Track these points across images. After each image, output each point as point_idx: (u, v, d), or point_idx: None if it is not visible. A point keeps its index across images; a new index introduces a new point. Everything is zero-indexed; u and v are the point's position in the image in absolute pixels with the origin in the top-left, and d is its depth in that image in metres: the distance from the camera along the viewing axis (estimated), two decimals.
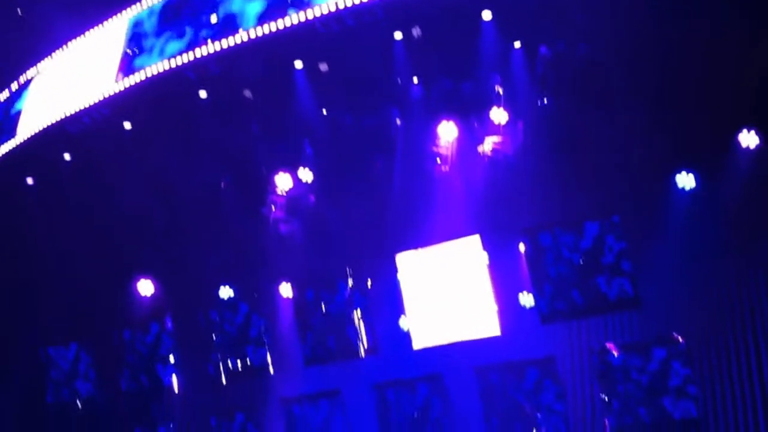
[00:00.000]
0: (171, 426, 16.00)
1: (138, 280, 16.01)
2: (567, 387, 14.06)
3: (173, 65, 12.80)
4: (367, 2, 11.38)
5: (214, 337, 15.10)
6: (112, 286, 15.87)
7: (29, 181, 15.70)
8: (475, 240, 13.63)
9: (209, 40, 12.29)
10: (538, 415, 13.25)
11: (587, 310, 12.55)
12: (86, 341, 15.84)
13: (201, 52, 12.51)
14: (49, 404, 16.54)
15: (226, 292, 15.67)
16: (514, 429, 13.47)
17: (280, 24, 11.93)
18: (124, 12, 13.94)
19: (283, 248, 15.72)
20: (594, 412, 13.95)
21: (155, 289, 15.98)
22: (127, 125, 14.28)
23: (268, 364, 14.85)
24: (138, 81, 13.20)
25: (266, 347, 14.88)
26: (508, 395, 13.47)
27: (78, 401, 15.88)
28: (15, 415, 16.65)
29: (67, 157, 15.05)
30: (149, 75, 13.07)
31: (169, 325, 15.33)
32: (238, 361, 14.99)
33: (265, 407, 16.15)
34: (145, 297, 15.97)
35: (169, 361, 15.25)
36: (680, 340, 12.11)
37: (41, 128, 14.51)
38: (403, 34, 12.54)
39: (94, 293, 15.68)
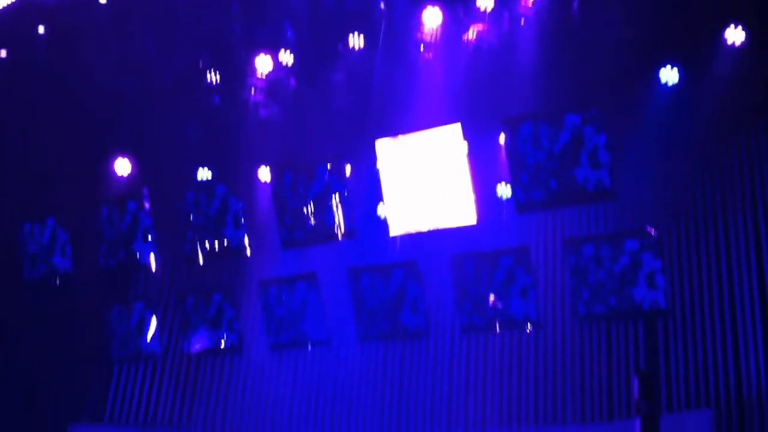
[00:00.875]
0: (148, 303, 16.19)
1: (115, 158, 15.93)
2: (539, 276, 14.37)
3: None
4: None
5: (192, 218, 15.12)
6: (88, 163, 15.79)
7: (2, 53, 15.36)
8: (455, 129, 13.58)
9: None
10: (499, 305, 13.53)
11: (563, 201, 12.66)
12: (63, 217, 15.82)
13: None
14: (26, 281, 16.62)
15: (203, 174, 15.67)
16: (485, 315, 13.77)
17: None
18: None
19: (262, 132, 15.66)
20: (564, 301, 14.31)
21: (132, 168, 15.93)
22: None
23: (245, 246, 14.94)
24: None
25: (243, 229, 14.93)
26: (481, 283, 13.69)
27: (56, 277, 15.97)
28: None
29: (41, 30, 14.69)
30: None
31: (146, 204, 15.31)
32: (216, 243, 15.06)
33: (242, 288, 16.40)
34: (122, 176, 15.93)
35: (146, 239, 15.29)
36: (653, 232, 12.30)
37: None
38: None
39: (70, 170, 15.61)
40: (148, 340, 16.22)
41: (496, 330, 13.79)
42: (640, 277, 12.35)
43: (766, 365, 12.11)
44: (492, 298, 13.53)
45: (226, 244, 14.98)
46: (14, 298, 16.72)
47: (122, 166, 15.90)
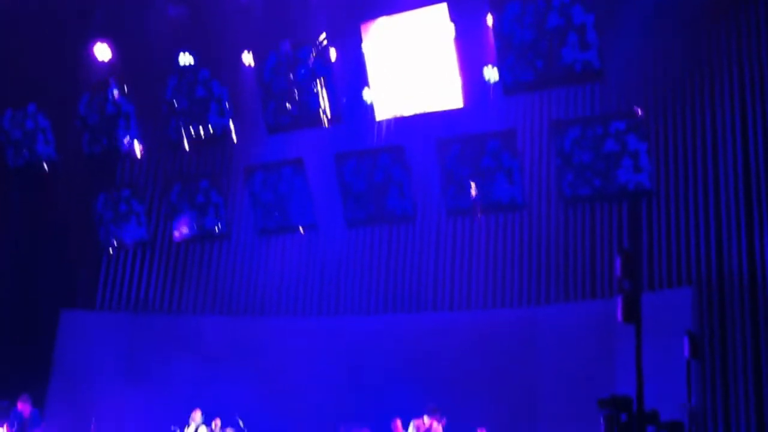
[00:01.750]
0: (135, 190, 16.15)
1: (94, 43, 15.57)
2: (525, 159, 14.42)
3: None
4: None
5: (175, 104, 14.90)
6: (68, 49, 15.43)
7: None
8: (441, 9, 13.29)
9: None
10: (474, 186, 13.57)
11: (550, 82, 12.53)
12: (44, 103, 15.55)
13: None
14: (11, 169, 16.48)
15: (185, 59, 15.37)
16: (471, 199, 13.82)
17: None
18: None
19: (245, 15, 15.29)
20: (549, 183, 14.41)
21: (113, 53, 15.59)
22: None
23: (230, 132, 14.79)
24: None
25: (228, 115, 14.75)
26: (467, 166, 13.69)
27: (41, 165, 15.79)
28: None
29: None
30: None
31: (128, 90, 15.06)
32: (200, 129, 14.90)
33: (228, 174, 16.38)
34: (103, 61, 15.61)
35: (129, 126, 15.12)
36: (639, 113, 12.27)
37: None
38: None
39: (51, 56, 15.25)
40: (136, 226, 16.24)
41: (480, 213, 13.86)
42: (625, 159, 12.38)
43: (748, 243, 12.32)
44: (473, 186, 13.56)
45: (211, 130, 14.82)
46: (1, 186, 16.59)
47: (102, 51, 15.54)
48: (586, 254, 14.07)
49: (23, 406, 14.22)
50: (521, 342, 14.13)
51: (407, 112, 13.93)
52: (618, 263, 11.62)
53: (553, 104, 14.42)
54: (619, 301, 11.35)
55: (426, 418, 12.69)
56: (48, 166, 15.75)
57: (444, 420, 12.69)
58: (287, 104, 14.28)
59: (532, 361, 13.87)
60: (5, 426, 14.17)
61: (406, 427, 12.92)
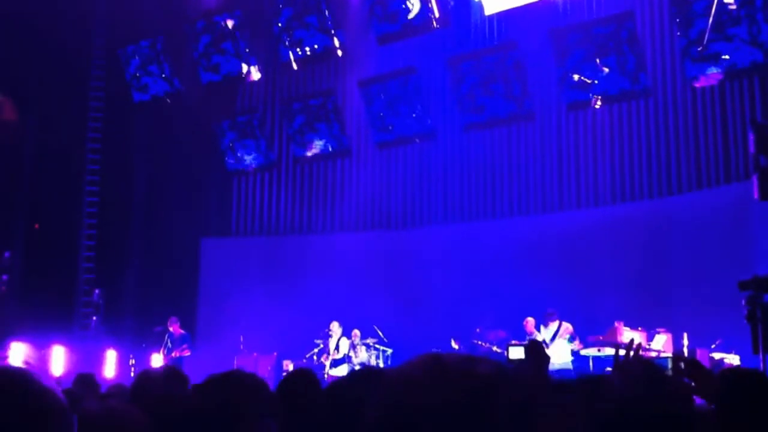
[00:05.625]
0: (254, 115, 16.44)
1: None
2: (646, 43, 13.69)
3: None
4: None
5: (280, 24, 14.93)
6: None
7: None
8: None
9: None
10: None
11: None
12: (161, 37, 15.83)
13: None
14: (135, 104, 16.91)
15: None
16: (590, 91, 13.32)
17: None
18: None
19: None
20: (674, 67, 13.67)
21: None
22: None
23: (337, 47, 14.69)
24: None
25: (335, 30, 14.66)
26: (583, 55, 13.16)
27: (166, 97, 16.13)
28: None
29: None
30: None
31: (239, 15, 15.21)
32: (307, 48, 14.92)
33: (344, 90, 16.38)
34: None
35: (244, 51, 15.29)
36: None
37: None
38: None
39: None
40: (260, 150, 16.60)
41: (598, 104, 13.34)
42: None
43: None
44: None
45: (317, 47, 14.81)
46: (126, 120, 17.20)
47: None
48: (718, 137, 13.35)
49: (174, 328, 15.07)
50: (654, 233, 13.68)
51: (517, 2, 13.44)
52: (752, 139, 11.00)
53: None
54: (755, 179, 10.78)
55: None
56: (170, 99, 16.16)
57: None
58: (394, 11, 14.07)
59: (665, 252, 13.43)
60: (162, 350, 15.09)
61: (537, 326, 12.86)
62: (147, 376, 3.91)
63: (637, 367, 2.35)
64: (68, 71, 16.52)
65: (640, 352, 3.21)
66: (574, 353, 12.36)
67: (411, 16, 13.99)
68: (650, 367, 2.39)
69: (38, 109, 16.45)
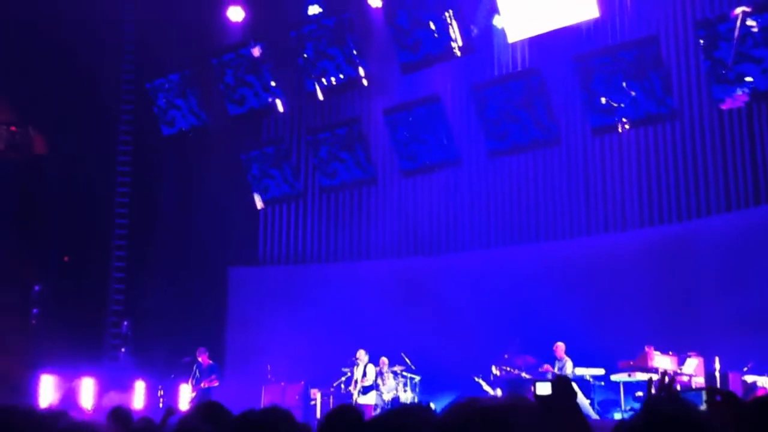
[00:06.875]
0: (280, 146, 16.51)
1: (227, 7, 15.96)
2: (671, 65, 13.64)
3: None
4: None
5: (305, 56, 15.01)
6: (204, 15, 15.87)
7: None
8: None
9: None
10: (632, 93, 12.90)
11: None
12: (188, 71, 15.94)
13: None
14: (164, 137, 17.03)
15: (312, 9, 15.47)
16: (615, 115, 13.26)
17: None
18: None
19: None
20: (700, 89, 13.59)
21: (246, 13, 15.92)
22: None
23: (362, 77, 14.73)
24: None
25: (359, 60, 14.71)
26: (608, 80, 13.11)
27: (193, 130, 16.23)
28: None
29: None
30: None
31: (264, 47, 15.31)
32: (332, 78, 14.98)
33: (369, 119, 16.43)
34: (237, 23, 15.99)
35: (270, 83, 15.37)
36: None
37: None
38: None
39: (190, 25, 15.67)
40: (286, 181, 16.64)
41: (625, 128, 13.26)
42: None
43: None
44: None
45: (341, 76, 14.86)
46: (155, 153, 17.36)
47: (236, 13, 15.92)
48: (746, 158, 13.24)
49: (202, 358, 15.12)
50: (683, 257, 13.56)
51: (540, 29, 13.45)
52: None
53: (697, 4, 13.55)
54: None
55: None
56: (197, 132, 16.28)
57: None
58: (418, 40, 14.11)
59: (695, 275, 13.29)
60: (190, 380, 15.15)
61: (568, 351, 12.75)
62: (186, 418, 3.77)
63: (668, 407, 2.28)
64: (98, 105, 16.75)
65: (673, 386, 3.14)
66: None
67: (434, 44, 14.02)
68: (682, 410, 2.31)
69: (68, 142, 16.66)
